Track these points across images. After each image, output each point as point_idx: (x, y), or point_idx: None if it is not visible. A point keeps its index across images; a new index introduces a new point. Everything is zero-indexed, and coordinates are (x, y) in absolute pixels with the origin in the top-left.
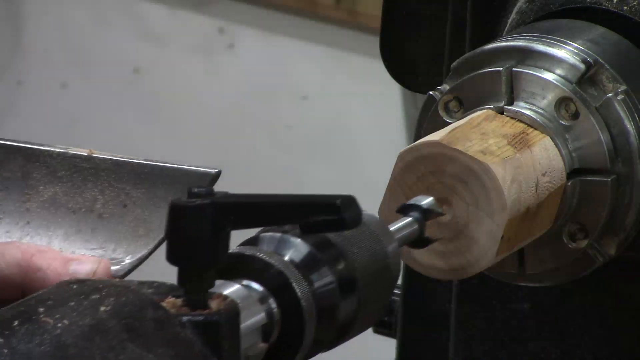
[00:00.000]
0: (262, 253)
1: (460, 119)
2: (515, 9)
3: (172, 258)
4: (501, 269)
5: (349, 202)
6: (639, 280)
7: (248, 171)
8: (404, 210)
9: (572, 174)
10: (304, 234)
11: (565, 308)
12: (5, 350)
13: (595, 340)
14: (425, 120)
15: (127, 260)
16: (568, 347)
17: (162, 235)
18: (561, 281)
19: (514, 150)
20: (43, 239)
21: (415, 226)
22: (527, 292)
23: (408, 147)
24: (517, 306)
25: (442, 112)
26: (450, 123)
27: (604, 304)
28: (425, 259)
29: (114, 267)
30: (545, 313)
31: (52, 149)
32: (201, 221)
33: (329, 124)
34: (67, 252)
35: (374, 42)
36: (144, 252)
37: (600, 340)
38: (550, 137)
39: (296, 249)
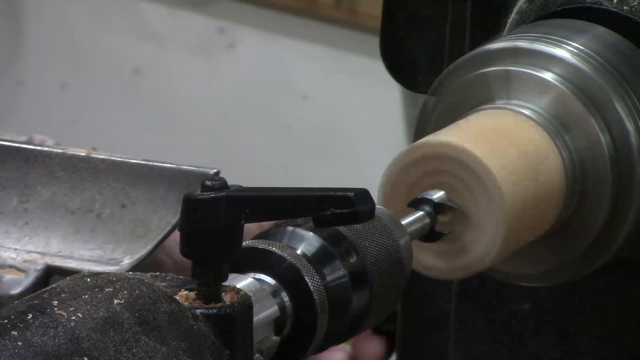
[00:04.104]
0: (274, 246)
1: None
2: (515, 9)
3: (185, 251)
4: (501, 269)
5: (363, 196)
6: (639, 280)
7: (248, 171)
8: (416, 204)
9: (572, 173)
10: (316, 227)
11: (565, 308)
12: (20, 343)
13: (595, 340)
14: (425, 121)
15: (126, 260)
16: (568, 347)
17: (161, 235)
18: (561, 281)
19: (514, 150)
20: (42, 239)
21: (427, 220)
22: (527, 292)
23: (408, 147)
24: (517, 306)
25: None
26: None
27: (604, 304)
28: (426, 259)
29: (112, 267)
30: (545, 313)
31: (51, 150)
32: (215, 214)
33: (329, 124)
34: (66, 252)
35: (374, 42)
36: (143, 252)
37: (600, 340)
38: (550, 137)
39: (308, 242)
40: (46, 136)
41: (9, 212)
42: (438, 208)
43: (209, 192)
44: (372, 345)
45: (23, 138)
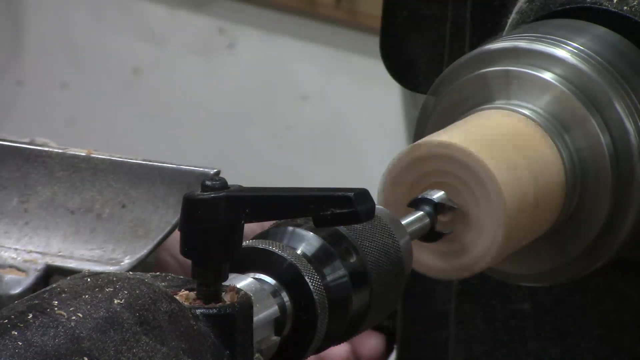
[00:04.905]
0: (274, 246)
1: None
2: (515, 9)
3: (186, 251)
4: (501, 269)
5: (363, 196)
6: (639, 280)
7: (248, 171)
8: (416, 204)
9: (572, 173)
10: (317, 227)
11: (565, 308)
12: (20, 343)
13: (595, 340)
14: (425, 121)
15: (126, 260)
16: (568, 347)
17: (161, 235)
18: (561, 281)
19: (514, 150)
20: (42, 239)
21: (427, 220)
22: (527, 292)
23: (408, 147)
24: (517, 306)
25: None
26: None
27: (604, 304)
28: (426, 259)
29: (112, 267)
30: (545, 313)
31: (51, 150)
32: (215, 214)
33: (329, 124)
34: (66, 252)
35: (374, 42)
36: (143, 252)
37: (600, 340)
38: (550, 137)
39: (308, 242)
40: (48, 138)
41: (9, 212)
42: (438, 208)
43: (209, 192)
44: (371, 340)
45: (25, 140)
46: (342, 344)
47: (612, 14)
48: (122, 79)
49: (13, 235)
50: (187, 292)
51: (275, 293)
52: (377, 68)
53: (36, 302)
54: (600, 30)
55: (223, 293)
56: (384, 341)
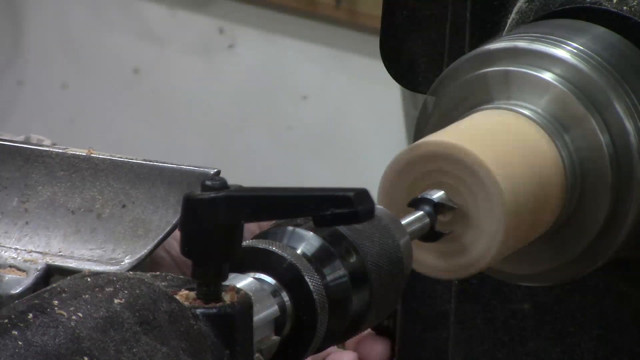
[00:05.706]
0: (274, 246)
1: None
2: (515, 9)
3: (186, 251)
4: (501, 269)
5: (362, 196)
6: (639, 280)
7: (248, 171)
8: (416, 204)
9: (572, 173)
10: (316, 227)
11: (565, 308)
12: (20, 343)
13: (595, 340)
14: (425, 121)
15: (127, 260)
16: (568, 347)
17: (161, 235)
18: (561, 281)
19: (513, 150)
20: (42, 239)
21: (427, 220)
22: (527, 292)
23: (408, 147)
24: (517, 306)
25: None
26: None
27: (604, 304)
28: (426, 259)
29: (113, 267)
30: (545, 313)
31: (51, 150)
32: (215, 214)
33: (329, 124)
34: (66, 252)
35: (374, 42)
36: (143, 252)
37: (600, 340)
38: (550, 137)
39: (308, 242)
40: (44, 136)
41: (9, 212)
42: (438, 208)
43: (209, 192)
44: (378, 347)
45: (20, 138)
46: (348, 352)
47: (612, 14)
48: (122, 79)
49: (13, 235)
50: (187, 292)
51: (275, 293)
52: (377, 68)
53: (36, 302)
54: (600, 30)
55: (223, 293)
56: (390, 348)
